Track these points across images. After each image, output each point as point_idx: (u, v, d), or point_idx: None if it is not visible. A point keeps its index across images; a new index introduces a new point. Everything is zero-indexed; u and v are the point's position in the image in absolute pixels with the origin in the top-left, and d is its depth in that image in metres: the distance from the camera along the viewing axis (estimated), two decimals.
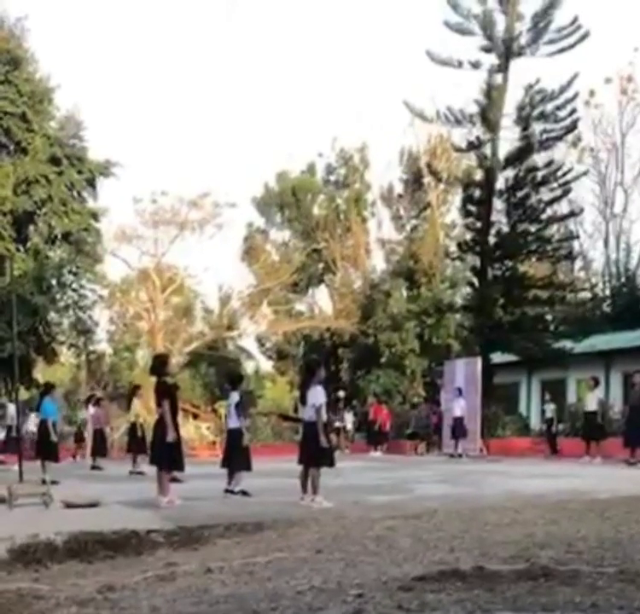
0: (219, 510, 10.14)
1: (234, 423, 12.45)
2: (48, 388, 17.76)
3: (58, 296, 34.04)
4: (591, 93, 43.56)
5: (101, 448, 22.16)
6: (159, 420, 11.11)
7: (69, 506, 10.32)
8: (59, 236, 33.54)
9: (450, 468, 19.27)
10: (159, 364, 11.71)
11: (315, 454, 10.67)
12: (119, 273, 42.76)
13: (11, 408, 23.71)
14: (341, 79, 75.33)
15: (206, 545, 7.37)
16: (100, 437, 22.33)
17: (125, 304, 43.28)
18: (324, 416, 10.80)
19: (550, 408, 25.75)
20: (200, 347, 42.41)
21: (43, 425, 16.60)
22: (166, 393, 11.09)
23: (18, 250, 31.92)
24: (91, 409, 22.75)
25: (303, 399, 11.08)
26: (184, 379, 46.05)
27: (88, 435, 23.53)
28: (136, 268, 41.33)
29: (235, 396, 12.49)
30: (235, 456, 12.38)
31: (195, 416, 31.89)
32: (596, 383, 21.82)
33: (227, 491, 12.20)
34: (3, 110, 31.77)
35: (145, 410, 21.01)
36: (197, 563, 6.32)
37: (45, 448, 16.34)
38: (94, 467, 20.71)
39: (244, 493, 12.12)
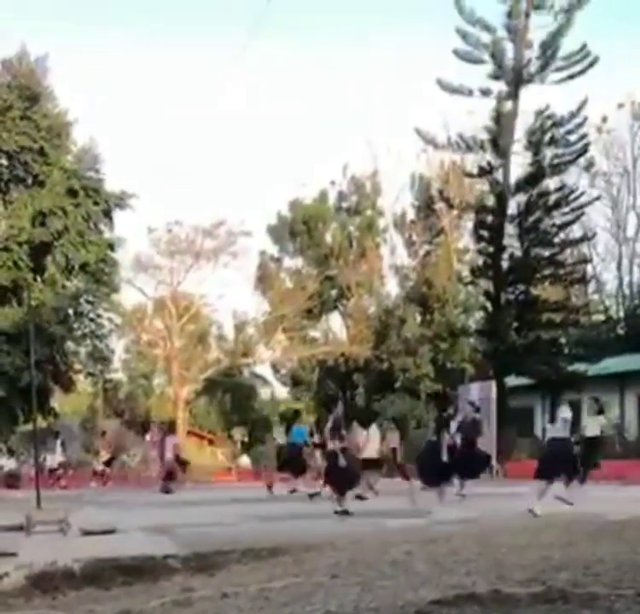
0: (235, 535, 10.14)
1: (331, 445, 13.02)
2: None
3: (75, 325, 34.25)
4: (604, 118, 43.78)
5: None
6: None
7: (86, 532, 10.36)
8: (76, 266, 33.77)
9: (466, 492, 19.15)
10: None
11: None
12: (136, 302, 43.07)
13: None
14: (353, 108, 75.83)
15: (222, 570, 7.37)
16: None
17: (141, 332, 43.52)
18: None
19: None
20: (215, 374, 42.49)
21: None
22: None
23: (35, 280, 32.14)
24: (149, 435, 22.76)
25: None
26: (200, 406, 46.16)
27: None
28: (153, 296, 41.62)
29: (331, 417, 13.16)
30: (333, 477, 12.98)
31: (211, 442, 31.98)
32: (598, 405, 19.60)
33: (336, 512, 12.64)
34: (22, 145, 32.18)
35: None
36: (213, 588, 6.31)
37: None
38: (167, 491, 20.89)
39: (345, 512, 12.55)
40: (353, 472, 13.23)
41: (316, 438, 18.97)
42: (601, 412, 19.19)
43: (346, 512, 12.65)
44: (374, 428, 17.44)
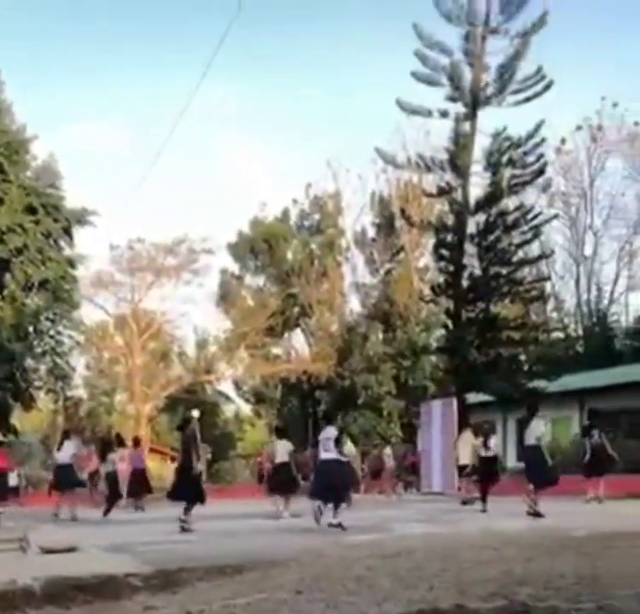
0: (199, 552, 10.07)
1: (330, 455, 12.98)
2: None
3: (35, 342, 33.97)
4: (563, 140, 44.67)
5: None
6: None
7: (46, 551, 10.22)
8: (36, 284, 33.50)
9: (429, 507, 19.29)
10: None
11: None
12: (97, 319, 42.80)
13: None
14: (315, 127, 76.44)
15: (185, 588, 7.27)
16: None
17: (102, 349, 43.23)
18: None
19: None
20: (177, 391, 42.30)
21: None
22: None
23: None
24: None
25: None
26: (162, 423, 45.86)
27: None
28: (114, 314, 41.37)
29: (332, 431, 13.19)
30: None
31: (173, 459, 31.83)
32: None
33: (330, 525, 12.60)
34: None
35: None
36: (176, 606, 6.24)
37: None
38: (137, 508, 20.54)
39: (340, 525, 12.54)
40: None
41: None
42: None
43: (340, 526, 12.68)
44: None
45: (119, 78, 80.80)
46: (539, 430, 14.94)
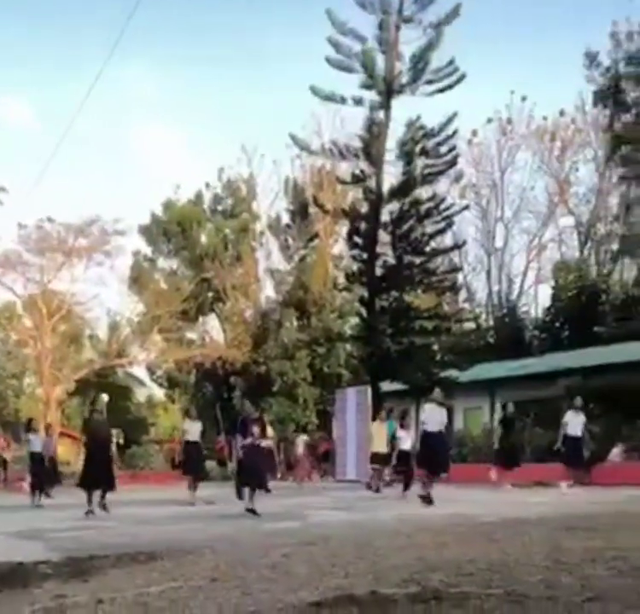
0: (110, 539, 9.93)
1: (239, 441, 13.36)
2: None
3: None
4: (474, 132, 45.44)
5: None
6: None
7: None
8: None
9: (344, 495, 19.44)
10: None
11: None
12: (4, 300, 41.80)
13: None
14: (229, 111, 75.89)
15: (96, 576, 7.12)
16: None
17: (10, 331, 42.29)
18: None
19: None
20: (88, 374, 41.66)
21: None
22: None
23: None
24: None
25: None
26: (72, 407, 45.07)
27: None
28: (22, 295, 40.45)
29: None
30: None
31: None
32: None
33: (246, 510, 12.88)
34: None
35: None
36: (87, 595, 6.11)
37: None
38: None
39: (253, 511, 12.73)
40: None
41: None
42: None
43: (253, 512, 12.79)
44: None
45: (28, 54, 78.60)
46: (442, 417, 15.23)
